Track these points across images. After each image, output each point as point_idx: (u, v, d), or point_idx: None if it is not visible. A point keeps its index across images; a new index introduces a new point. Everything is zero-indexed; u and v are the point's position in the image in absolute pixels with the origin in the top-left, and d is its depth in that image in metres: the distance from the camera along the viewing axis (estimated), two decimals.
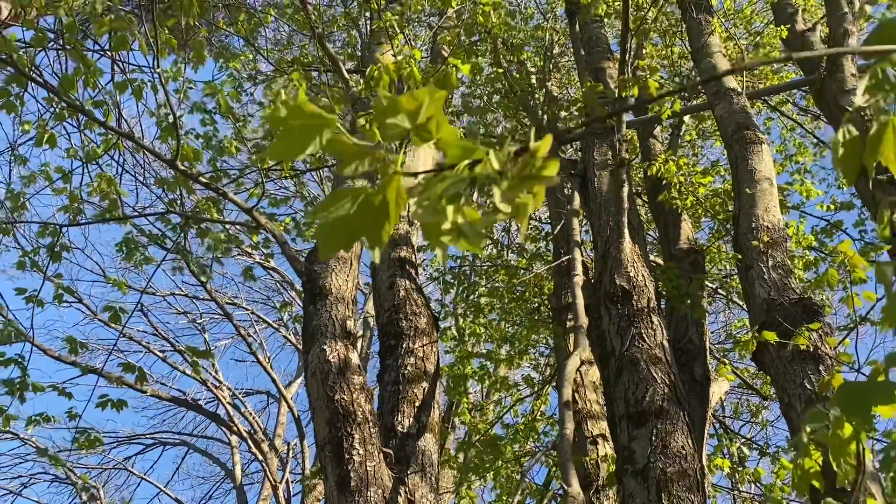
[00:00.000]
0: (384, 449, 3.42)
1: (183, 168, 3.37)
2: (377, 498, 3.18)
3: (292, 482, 11.59)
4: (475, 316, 7.18)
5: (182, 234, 4.97)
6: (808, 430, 1.27)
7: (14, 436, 11.47)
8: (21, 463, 12.23)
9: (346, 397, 3.39)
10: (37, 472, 12.36)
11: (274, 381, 11.80)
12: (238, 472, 12.34)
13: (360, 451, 3.26)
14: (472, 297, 7.65)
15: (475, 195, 0.81)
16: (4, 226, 4.63)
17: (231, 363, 25.14)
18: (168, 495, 12.74)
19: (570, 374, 3.33)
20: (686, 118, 7.02)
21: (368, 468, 3.23)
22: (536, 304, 7.19)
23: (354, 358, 3.63)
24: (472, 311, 7.25)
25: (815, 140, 7.98)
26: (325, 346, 3.55)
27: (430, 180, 0.81)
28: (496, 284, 7.28)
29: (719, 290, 7.66)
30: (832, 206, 7.12)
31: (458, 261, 8.04)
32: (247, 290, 13.05)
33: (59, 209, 5.09)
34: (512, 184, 0.78)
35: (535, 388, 6.44)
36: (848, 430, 1.38)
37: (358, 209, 0.83)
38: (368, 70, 3.69)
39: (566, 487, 2.64)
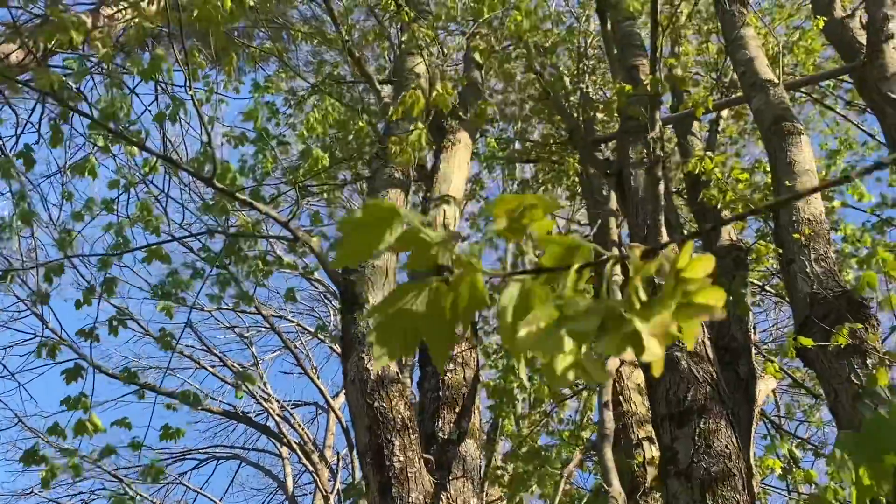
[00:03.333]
0: (425, 455, 3.44)
1: (221, 186, 3.45)
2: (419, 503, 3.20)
3: (342, 492, 11.67)
4: None
5: (226, 257, 5.07)
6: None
7: (80, 473, 11.80)
8: (81, 481, 12.57)
9: (385, 404, 3.42)
10: (97, 489, 12.70)
11: (321, 391, 11.93)
12: (290, 484, 12.50)
13: (401, 458, 3.29)
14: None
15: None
16: (59, 263, 4.77)
17: (279, 375, 25.48)
18: None
19: (609, 373, 3.30)
20: (724, 114, 6.92)
21: (409, 474, 3.25)
22: None
23: (393, 365, 3.66)
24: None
25: (860, 133, 7.79)
26: (363, 355, 3.59)
27: (538, 305, 0.67)
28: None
29: (766, 288, 7.52)
30: (883, 205, 6.92)
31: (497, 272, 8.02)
32: (292, 301, 13.21)
33: (111, 248, 5.23)
34: (657, 314, 0.63)
35: (575, 391, 6.39)
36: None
37: (427, 307, 0.71)
38: (401, 97, 3.73)
39: (607, 487, 2.62)
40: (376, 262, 4.01)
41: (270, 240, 7.51)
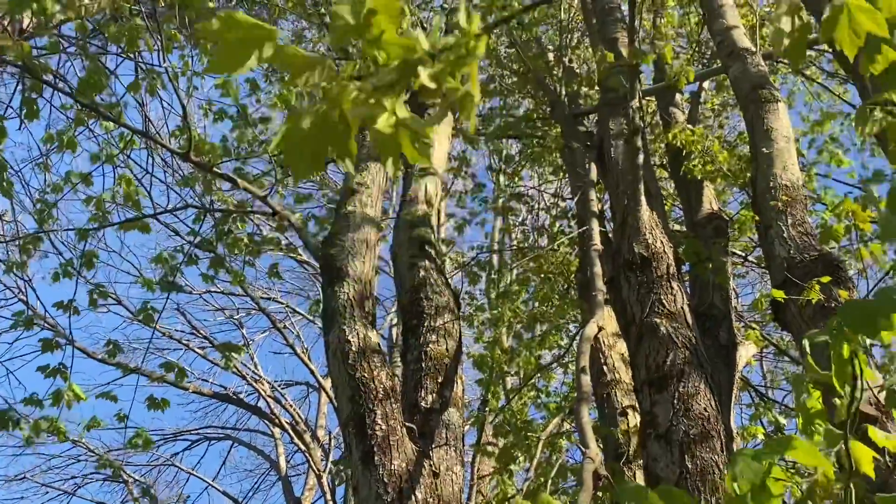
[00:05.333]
0: (407, 424, 3.47)
1: (196, 160, 3.45)
2: (401, 471, 3.23)
3: (334, 463, 11.75)
4: (502, 303, 7.18)
5: (217, 240, 5.06)
6: (808, 348, 1.27)
7: (66, 438, 11.82)
8: (74, 463, 12.62)
9: (366, 375, 3.45)
10: (90, 473, 12.74)
11: (311, 371, 11.98)
12: (283, 464, 12.56)
13: (383, 427, 3.32)
14: (500, 284, 7.66)
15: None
16: (36, 237, 4.77)
17: (269, 356, 25.54)
18: (216, 489, 13.03)
19: (587, 340, 3.34)
20: (705, 86, 6.93)
21: (392, 442, 3.28)
22: (566, 286, 7.18)
23: (374, 336, 3.69)
24: (499, 300, 7.23)
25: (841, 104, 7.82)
26: (343, 327, 3.61)
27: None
28: (522, 267, 7.28)
29: (749, 259, 7.58)
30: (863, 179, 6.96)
31: (483, 248, 8.06)
32: (281, 282, 13.22)
33: (90, 219, 5.23)
34: (439, 66, 0.74)
35: (560, 362, 6.44)
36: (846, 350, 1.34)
37: (318, 126, 0.79)
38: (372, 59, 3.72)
39: (584, 449, 2.66)
40: (356, 235, 4.03)
41: (257, 221, 7.50)
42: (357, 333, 3.60)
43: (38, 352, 5.37)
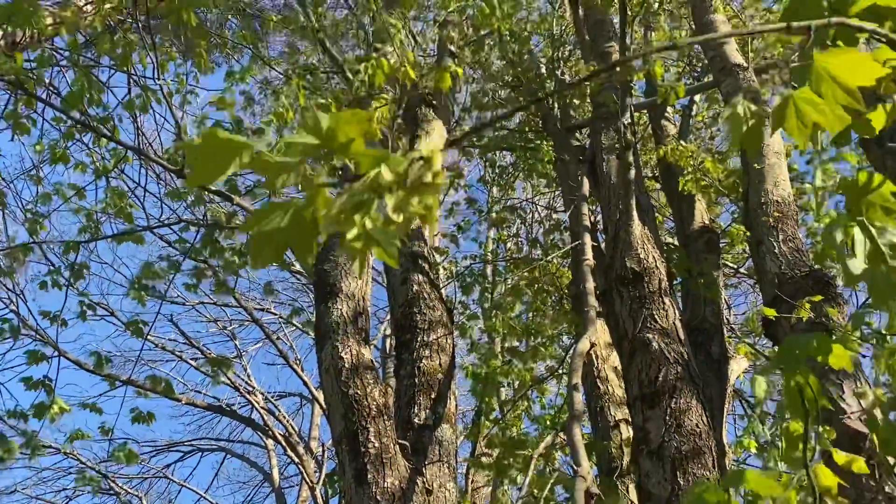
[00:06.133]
0: (400, 441, 3.47)
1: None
2: (394, 488, 3.23)
3: (327, 476, 11.72)
4: (495, 314, 7.18)
5: (202, 248, 5.07)
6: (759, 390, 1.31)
7: (56, 450, 11.76)
8: (65, 476, 12.54)
9: (359, 392, 3.45)
10: (80, 485, 12.64)
11: (305, 383, 11.94)
12: (276, 475, 12.51)
13: (376, 444, 3.32)
14: (494, 294, 7.66)
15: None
16: (26, 246, 4.77)
17: (263, 367, 25.50)
18: (209, 501, 12.97)
19: (580, 356, 3.34)
20: (696, 99, 6.97)
21: (385, 459, 3.29)
22: (558, 297, 7.19)
23: (367, 353, 3.69)
24: (492, 310, 7.24)
25: None
26: (337, 343, 3.61)
27: (342, 192, 0.84)
28: (515, 278, 7.29)
29: (741, 271, 7.61)
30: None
31: (477, 258, 8.06)
32: (274, 293, 13.20)
33: (80, 230, 5.22)
34: (402, 195, 0.81)
35: (555, 374, 6.45)
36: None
37: (290, 222, 0.85)
38: (363, 67, 3.74)
39: (575, 467, 2.66)
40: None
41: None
42: (350, 350, 3.60)
43: (26, 365, 5.34)
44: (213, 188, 3.55)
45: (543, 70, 7.32)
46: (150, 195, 6.39)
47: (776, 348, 4.24)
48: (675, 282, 4.89)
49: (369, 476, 3.23)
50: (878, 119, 1.24)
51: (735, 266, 7.31)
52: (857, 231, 1.11)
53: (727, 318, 5.89)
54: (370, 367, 3.61)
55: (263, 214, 0.85)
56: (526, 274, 7.21)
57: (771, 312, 3.42)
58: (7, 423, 5.18)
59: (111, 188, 4.50)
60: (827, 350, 1.25)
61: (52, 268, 5.18)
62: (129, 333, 5.07)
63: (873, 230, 1.10)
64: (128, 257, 24.58)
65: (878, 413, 1.62)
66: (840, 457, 1.30)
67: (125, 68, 4.41)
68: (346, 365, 3.54)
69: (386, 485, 3.22)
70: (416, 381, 3.88)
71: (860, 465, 1.30)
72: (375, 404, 3.43)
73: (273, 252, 0.87)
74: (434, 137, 5.45)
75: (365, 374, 3.53)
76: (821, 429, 1.28)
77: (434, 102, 5.53)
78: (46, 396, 4.41)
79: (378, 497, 3.19)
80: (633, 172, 4.51)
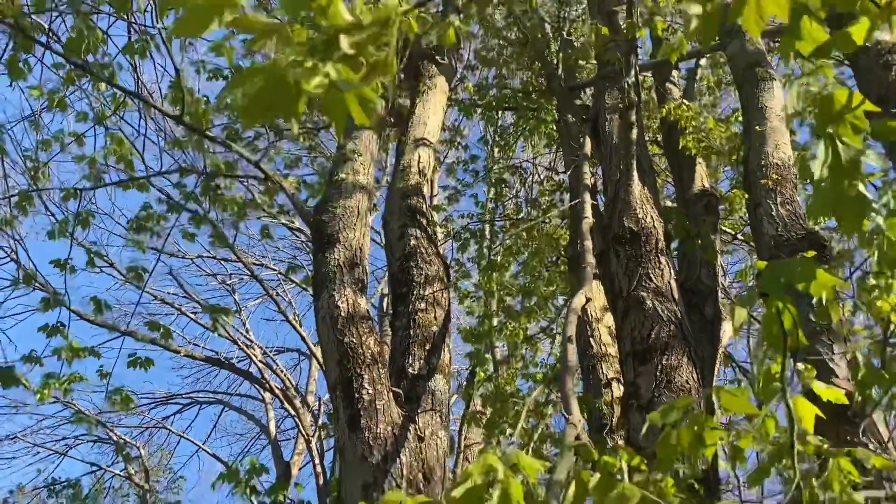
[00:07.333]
0: (394, 389, 3.52)
1: (190, 124, 3.45)
2: (387, 434, 3.28)
3: (320, 427, 11.88)
4: (491, 273, 7.20)
5: (202, 195, 5.06)
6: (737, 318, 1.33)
7: (56, 399, 11.89)
8: (64, 424, 12.70)
9: (355, 340, 3.49)
10: (80, 434, 12.82)
11: (303, 338, 12.04)
12: (272, 428, 12.67)
13: (370, 391, 3.37)
14: (491, 253, 7.68)
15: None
16: (28, 194, 4.77)
17: (261, 322, 25.65)
18: (206, 452, 13.16)
19: (574, 311, 3.37)
20: (702, 62, 6.91)
21: (378, 406, 3.34)
22: (555, 258, 7.22)
23: (363, 303, 3.73)
24: (487, 269, 7.26)
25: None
26: (333, 293, 3.64)
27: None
28: (512, 235, 7.30)
29: (739, 237, 7.62)
30: None
31: (475, 217, 8.06)
32: (274, 249, 13.25)
33: (83, 177, 5.22)
34: (359, 36, 0.82)
35: (548, 333, 6.51)
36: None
37: (272, 84, 0.84)
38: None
39: (566, 416, 2.70)
40: (348, 203, 4.04)
41: (247, 184, 7.48)
42: (347, 299, 3.64)
43: (30, 312, 5.37)
44: (209, 134, 3.55)
45: (549, 29, 7.25)
46: (151, 143, 6.37)
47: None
48: (672, 243, 4.90)
49: (362, 422, 3.29)
50: (858, 33, 1.23)
51: (733, 232, 7.32)
52: (821, 144, 1.12)
53: (722, 283, 5.92)
54: (366, 316, 3.64)
55: (247, 76, 0.85)
56: (524, 235, 7.24)
57: (764, 265, 3.43)
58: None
59: (111, 134, 4.49)
60: (811, 276, 1.27)
61: (55, 219, 5.20)
62: (129, 279, 5.09)
63: (840, 145, 1.11)
64: (127, 209, 24.54)
65: (860, 357, 1.65)
66: (819, 389, 1.33)
67: (123, 14, 4.38)
68: (342, 313, 3.57)
69: (379, 431, 3.27)
70: (412, 332, 3.92)
71: (839, 395, 1.33)
72: (370, 352, 3.47)
73: (259, 113, 0.86)
74: (436, 92, 5.42)
75: (360, 323, 3.57)
76: (801, 366, 1.31)
77: (437, 58, 5.49)
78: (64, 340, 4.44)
79: (371, 442, 3.24)
80: (635, 132, 4.51)
